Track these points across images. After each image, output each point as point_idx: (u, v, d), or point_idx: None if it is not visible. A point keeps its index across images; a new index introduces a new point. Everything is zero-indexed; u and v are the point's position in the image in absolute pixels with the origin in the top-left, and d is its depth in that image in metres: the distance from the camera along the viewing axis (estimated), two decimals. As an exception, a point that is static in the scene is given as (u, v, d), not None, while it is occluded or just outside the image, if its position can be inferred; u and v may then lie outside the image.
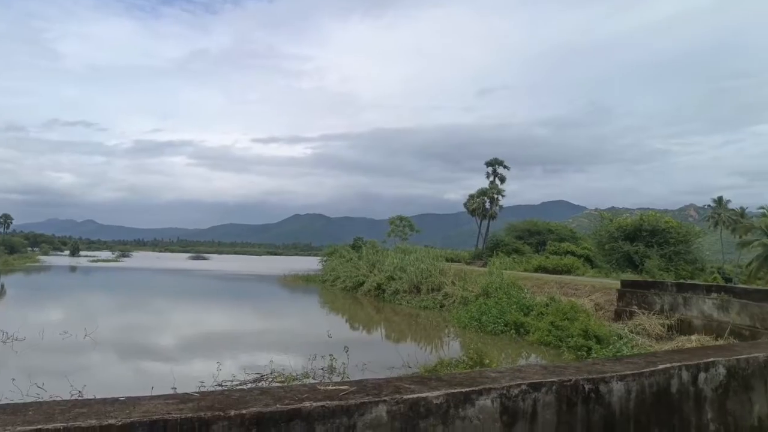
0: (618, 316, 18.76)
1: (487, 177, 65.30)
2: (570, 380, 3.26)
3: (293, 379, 10.92)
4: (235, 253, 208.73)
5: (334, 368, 12.03)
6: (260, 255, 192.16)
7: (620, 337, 15.74)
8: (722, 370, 4.16)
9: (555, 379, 3.21)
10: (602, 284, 22.63)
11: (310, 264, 65.33)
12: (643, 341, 15.68)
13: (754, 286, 23.72)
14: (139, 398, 2.33)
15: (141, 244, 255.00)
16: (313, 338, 17.13)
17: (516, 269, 33.74)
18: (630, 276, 29.22)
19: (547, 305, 19.28)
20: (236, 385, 10.74)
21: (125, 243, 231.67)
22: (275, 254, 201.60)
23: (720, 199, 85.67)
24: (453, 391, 2.78)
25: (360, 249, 47.35)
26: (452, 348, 17.08)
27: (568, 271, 33.14)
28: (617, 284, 20.90)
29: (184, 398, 2.38)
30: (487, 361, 11.60)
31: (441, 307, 25.96)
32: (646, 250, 34.75)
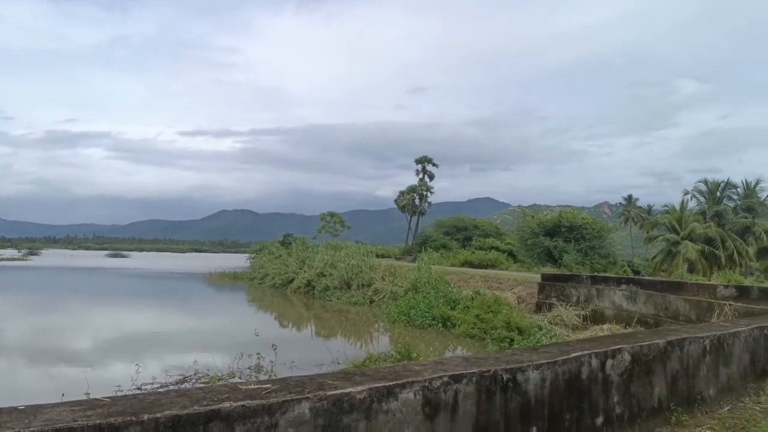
0: (539, 308, 19.69)
1: (417, 174, 66.46)
2: (489, 371, 3.39)
3: (218, 380, 10.60)
4: (158, 250, 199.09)
5: (262, 367, 11.80)
6: (184, 252, 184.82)
7: (540, 328, 16.51)
8: (627, 357, 4.48)
9: (475, 370, 3.32)
10: (524, 278, 23.61)
11: (237, 261, 63.54)
12: (561, 331, 16.54)
13: (658, 278, 25.67)
14: (41, 406, 2.18)
15: (52, 242, 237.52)
16: (241, 337, 16.71)
17: (444, 264, 34.50)
18: (550, 270, 30.72)
19: (472, 299, 19.87)
20: (156, 388, 10.28)
21: (34, 240, 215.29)
22: (200, 251, 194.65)
23: (630, 197, 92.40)
24: (376, 385, 2.81)
25: (290, 245, 46.65)
26: (382, 343, 17.23)
27: (493, 266, 34.36)
28: (538, 278, 21.91)
29: (93, 404, 2.25)
30: (415, 354, 11.81)
31: (371, 302, 26.12)
32: (564, 245, 36.62)
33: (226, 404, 2.32)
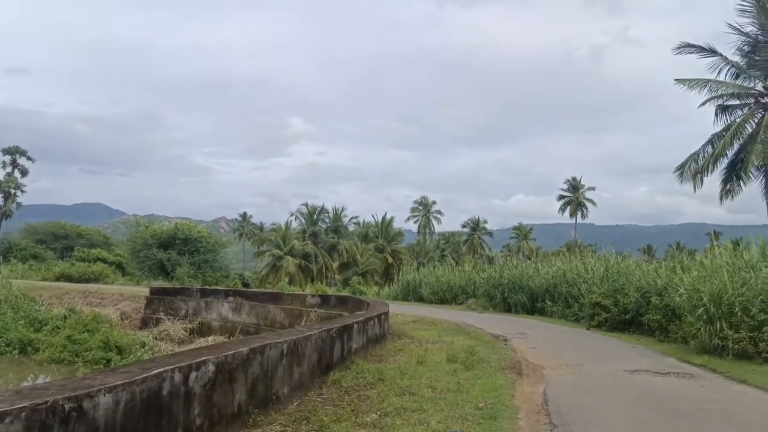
0: (145, 323, 18.72)
1: (4, 167, 54.49)
2: (47, 402, 2.95)
3: None
4: None
5: None
6: None
7: (143, 345, 15.65)
8: (211, 367, 4.65)
9: (26, 404, 2.84)
10: (132, 292, 22.19)
11: None
12: (166, 347, 16.07)
13: (261, 290, 28.07)
14: None
15: None
16: None
17: (33, 278, 29.35)
18: (161, 283, 29.71)
19: (65, 318, 17.36)
20: None
21: None
22: None
23: (245, 214, 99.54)
24: None
25: None
26: None
27: (97, 279, 31.06)
28: (147, 292, 20.89)
29: None
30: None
31: None
32: (178, 258, 36.09)
33: None
